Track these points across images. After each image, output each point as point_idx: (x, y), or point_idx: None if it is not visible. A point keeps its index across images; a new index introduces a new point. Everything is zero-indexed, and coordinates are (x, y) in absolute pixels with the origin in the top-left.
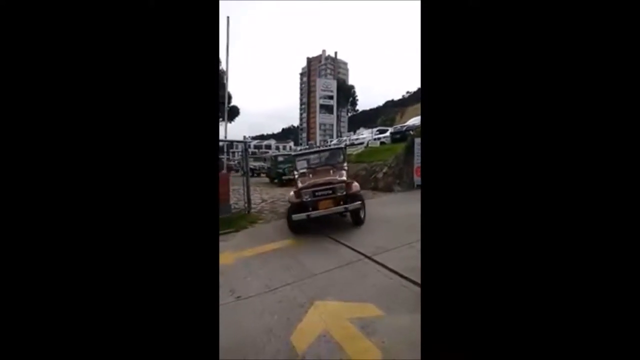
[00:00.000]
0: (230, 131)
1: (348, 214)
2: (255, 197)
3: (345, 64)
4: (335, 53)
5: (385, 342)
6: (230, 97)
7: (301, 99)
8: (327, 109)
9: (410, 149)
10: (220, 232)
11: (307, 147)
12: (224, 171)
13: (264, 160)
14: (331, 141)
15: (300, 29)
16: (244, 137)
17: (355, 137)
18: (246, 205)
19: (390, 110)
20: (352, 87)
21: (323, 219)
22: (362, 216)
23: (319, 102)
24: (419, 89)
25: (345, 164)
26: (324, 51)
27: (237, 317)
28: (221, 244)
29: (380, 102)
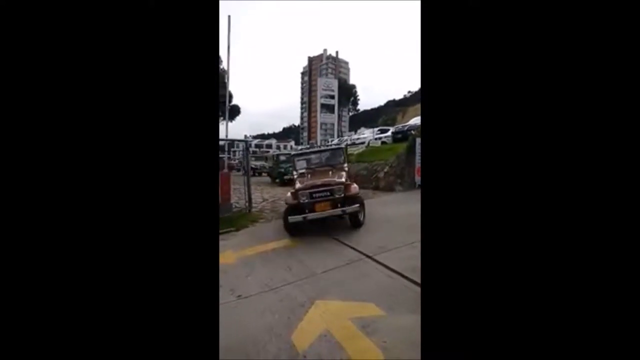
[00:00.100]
0: (231, 130)
1: (346, 216)
2: (257, 197)
3: (347, 63)
4: (337, 52)
5: (386, 341)
6: (231, 96)
7: (302, 98)
8: (328, 108)
9: (411, 149)
10: (221, 231)
11: (308, 146)
12: (225, 170)
13: (266, 159)
14: (332, 140)
15: (301, 28)
16: (245, 136)
17: (356, 136)
18: (247, 204)
19: (391, 110)
20: (353, 86)
21: (322, 219)
22: (361, 218)
23: (320, 101)
24: (420, 88)
25: (345, 165)
26: (325, 50)
27: (238, 316)
28: (222, 243)
29: (382, 102)
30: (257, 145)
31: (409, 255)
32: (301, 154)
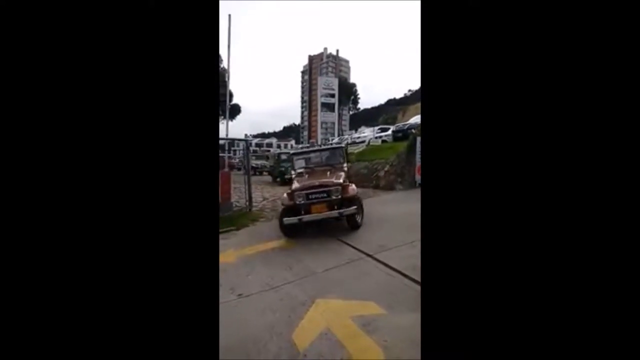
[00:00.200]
0: (232, 129)
1: (344, 218)
2: (257, 196)
3: (347, 62)
4: (337, 51)
5: (387, 340)
6: (231, 95)
7: (302, 97)
8: (329, 107)
9: (412, 148)
10: (222, 230)
11: (308, 145)
12: (226, 169)
13: (266, 158)
14: (332, 139)
15: (301, 27)
16: (246, 135)
17: (357, 135)
18: (247, 203)
19: (392, 109)
20: (353, 85)
21: (319, 221)
22: (359, 220)
23: (321, 100)
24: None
25: (345, 165)
26: (325, 49)
27: (238, 315)
28: (223, 242)
29: (382, 101)
30: (257, 144)
31: (409, 254)
32: (300, 153)
